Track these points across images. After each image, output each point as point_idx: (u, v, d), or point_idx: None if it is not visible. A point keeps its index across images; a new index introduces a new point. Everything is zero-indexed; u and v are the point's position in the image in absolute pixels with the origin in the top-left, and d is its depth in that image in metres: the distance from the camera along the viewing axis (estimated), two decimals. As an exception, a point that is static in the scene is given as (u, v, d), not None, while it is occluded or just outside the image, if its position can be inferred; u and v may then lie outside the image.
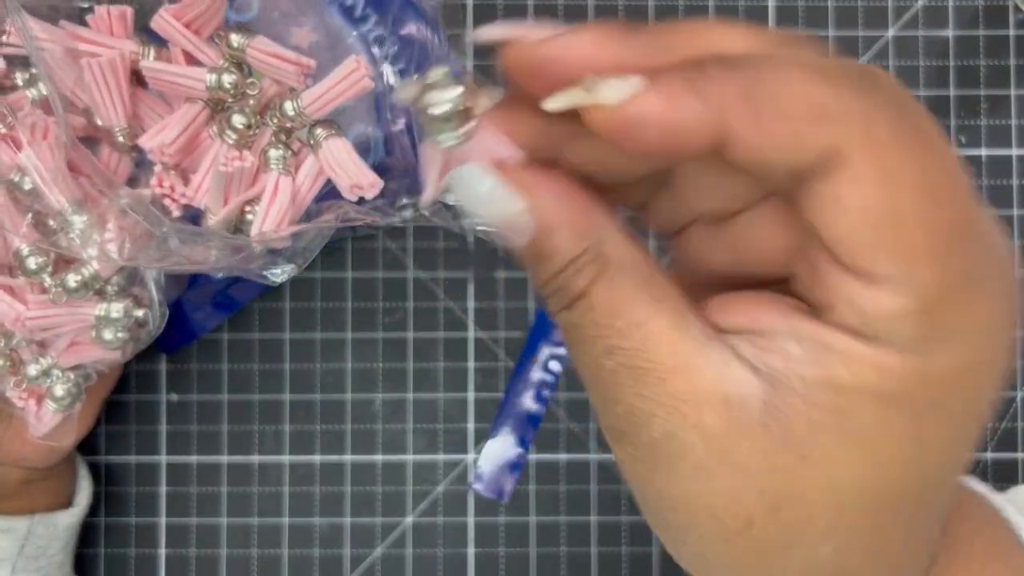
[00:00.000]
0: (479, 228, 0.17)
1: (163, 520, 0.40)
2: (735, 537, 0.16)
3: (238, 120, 0.30)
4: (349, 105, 0.36)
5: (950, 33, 0.41)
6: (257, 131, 0.31)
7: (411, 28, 0.39)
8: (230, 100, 0.30)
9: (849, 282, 0.15)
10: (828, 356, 0.15)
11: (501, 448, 0.40)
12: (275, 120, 0.31)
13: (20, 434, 0.32)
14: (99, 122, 0.30)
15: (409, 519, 0.40)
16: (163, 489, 0.40)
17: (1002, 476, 0.40)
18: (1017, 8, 0.42)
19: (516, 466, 0.40)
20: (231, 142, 0.30)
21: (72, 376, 0.31)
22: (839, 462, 0.15)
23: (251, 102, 0.31)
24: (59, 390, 0.31)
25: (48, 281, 0.30)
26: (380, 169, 0.33)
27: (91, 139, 0.31)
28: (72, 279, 0.30)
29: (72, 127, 0.29)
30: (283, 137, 0.31)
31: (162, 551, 0.39)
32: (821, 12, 0.41)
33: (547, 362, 0.40)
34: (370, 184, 0.30)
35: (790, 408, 0.15)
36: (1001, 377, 0.16)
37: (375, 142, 0.38)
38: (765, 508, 0.16)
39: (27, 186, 0.29)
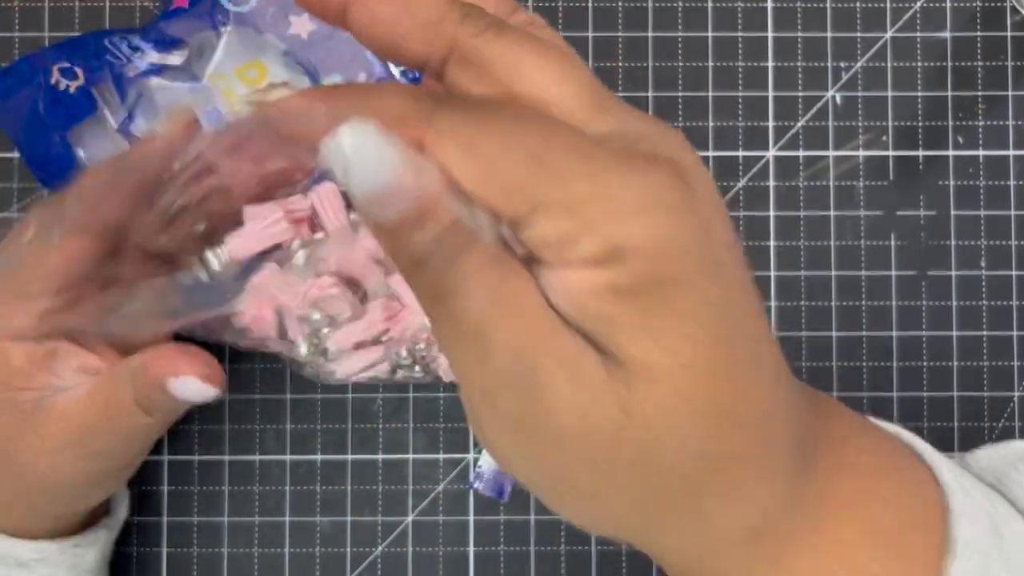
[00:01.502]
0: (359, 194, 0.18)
1: (164, 519, 0.40)
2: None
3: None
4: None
5: (948, 34, 0.42)
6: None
7: None
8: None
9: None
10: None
11: None
12: None
13: None
14: None
15: (410, 518, 0.40)
16: (164, 488, 0.40)
17: (1000, 475, 0.41)
18: (1015, 9, 0.42)
19: None
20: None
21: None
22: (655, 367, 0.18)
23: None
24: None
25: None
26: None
27: None
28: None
29: None
30: None
31: (163, 550, 0.40)
32: (819, 13, 0.42)
33: None
34: None
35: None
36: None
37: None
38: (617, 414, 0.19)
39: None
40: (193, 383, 0.28)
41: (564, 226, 0.18)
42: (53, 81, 0.37)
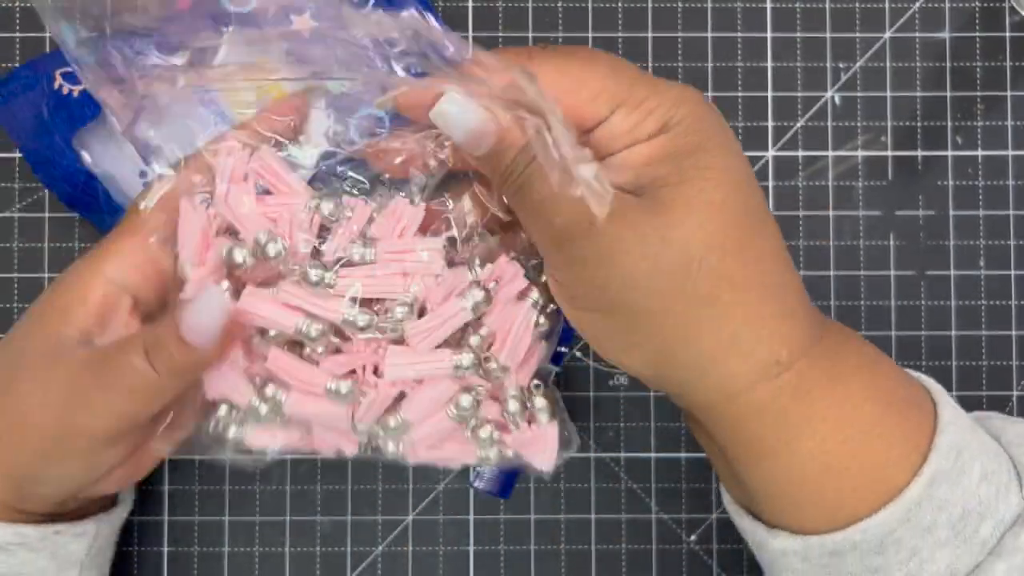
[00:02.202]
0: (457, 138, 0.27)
1: (165, 518, 0.40)
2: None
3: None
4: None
5: (947, 35, 0.42)
6: None
7: (410, 11, 0.39)
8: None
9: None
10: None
11: None
12: None
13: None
14: None
15: (410, 517, 0.40)
16: (165, 487, 0.40)
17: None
18: (1013, 10, 0.42)
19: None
20: None
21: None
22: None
23: None
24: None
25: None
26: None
27: None
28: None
29: None
30: None
31: (164, 548, 0.40)
32: (819, 14, 0.42)
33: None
34: None
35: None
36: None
37: (385, 123, 0.38)
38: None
39: None
40: (195, 314, 0.28)
41: (635, 116, 0.27)
42: (56, 86, 0.37)
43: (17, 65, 0.40)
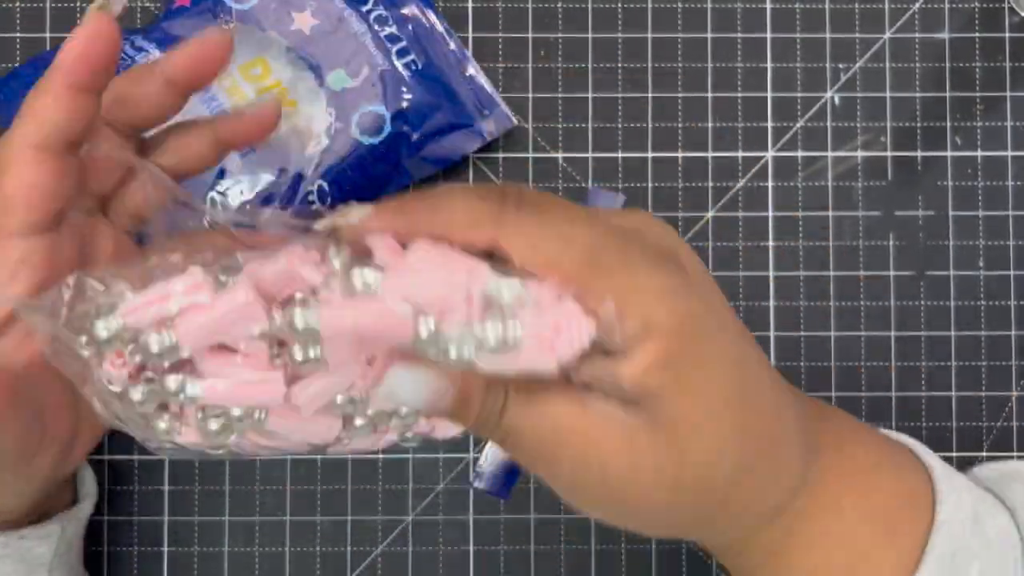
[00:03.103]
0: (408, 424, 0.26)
1: (165, 518, 0.40)
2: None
3: None
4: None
5: (946, 35, 0.42)
6: None
7: (411, 8, 0.39)
8: None
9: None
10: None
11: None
12: None
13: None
14: None
15: (410, 517, 0.40)
16: (165, 487, 0.40)
17: (998, 474, 0.41)
18: (1013, 11, 0.42)
19: (516, 464, 0.40)
20: None
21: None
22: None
23: None
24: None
25: None
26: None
27: None
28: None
29: None
30: None
31: (165, 549, 0.40)
32: (818, 14, 0.42)
33: None
34: None
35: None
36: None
37: (385, 120, 0.38)
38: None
39: None
40: None
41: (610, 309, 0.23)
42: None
43: (17, 65, 0.40)
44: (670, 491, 0.24)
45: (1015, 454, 0.41)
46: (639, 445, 0.23)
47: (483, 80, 0.40)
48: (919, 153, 0.42)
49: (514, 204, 0.23)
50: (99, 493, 0.38)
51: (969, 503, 0.28)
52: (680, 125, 0.41)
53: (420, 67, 0.39)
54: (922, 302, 0.41)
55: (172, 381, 0.23)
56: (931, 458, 0.29)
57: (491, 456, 0.40)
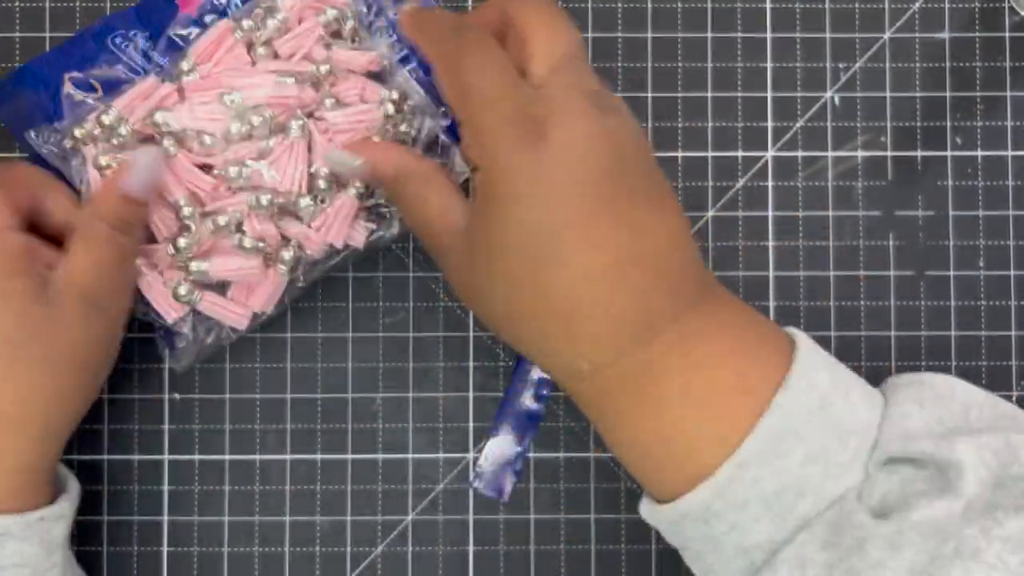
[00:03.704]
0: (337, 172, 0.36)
1: (165, 518, 0.40)
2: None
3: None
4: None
5: (946, 35, 0.42)
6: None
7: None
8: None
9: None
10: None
11: (501, 447, 0.40)
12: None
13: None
14: None
15: (409, 517, 0.40)
16: (165, 488, 0.40)
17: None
18: (1013, 10, 0.42)
19: (516, 464, 0.40)
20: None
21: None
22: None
23: None
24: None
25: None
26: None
27: None
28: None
29: None
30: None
31: (164, 549, 0.40)
32: (818, 14, 0.42)
33: None
34: None
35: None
36: None
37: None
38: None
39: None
40: (133, 172, 0.34)
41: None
42: (65, 92, 0.37)
43: (18, 64, 0.40)
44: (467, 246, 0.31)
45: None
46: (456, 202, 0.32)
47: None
48: (919, 153, 0.42)
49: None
50: (97, 494, 0.38)
51: (821, 393, 0.29)
52: (680, 125, 0.41)
53: (422, 73, 0.39)
54: (922, 302, 0.41)
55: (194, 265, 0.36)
56: (804, 343, 0.31)
57: (491, 456, 0.40)
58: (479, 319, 0.32)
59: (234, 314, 0.37)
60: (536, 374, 0.40)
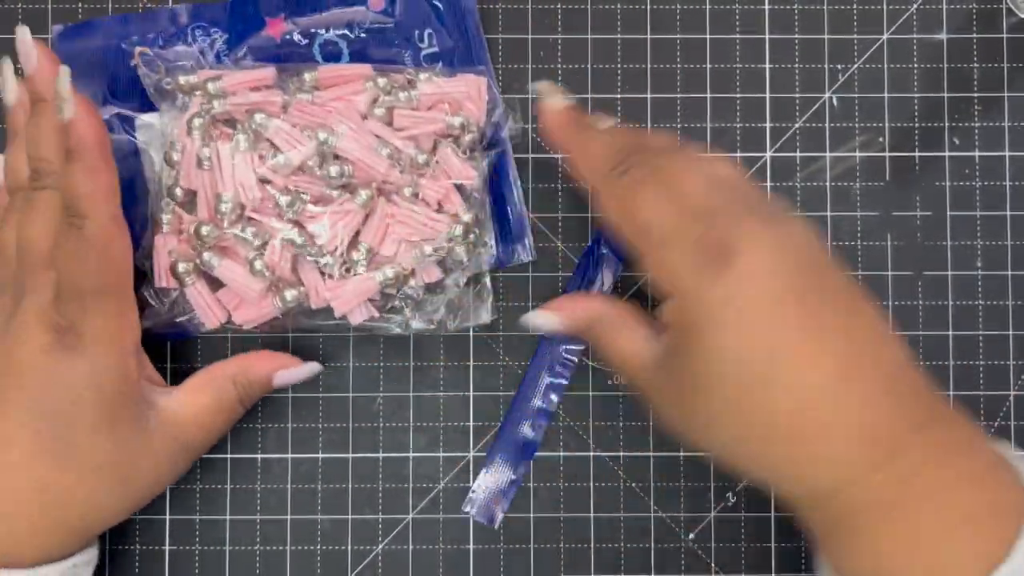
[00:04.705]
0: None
1: (167, 516, 0.40)
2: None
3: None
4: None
5: (944, 36, 0.42)
6: None
7: None
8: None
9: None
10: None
11: (495, 476, 0.40)
12: None
13: None
14: None
15: (410, 515, 0.40)
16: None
17: (995, 473, 0.41)
18: (1011, 11, 0.42)
19: (509, 493, 0.40)
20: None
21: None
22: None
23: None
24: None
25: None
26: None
27: None
28: None
29: None
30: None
31: (166, 547, 0.40)
32: (816, 15, 0.42)
33: (546, 393, 0.40)
34: None
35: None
36: None
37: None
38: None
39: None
40: (292, 372, 0.37)
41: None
42: (133, 63, 0.38)
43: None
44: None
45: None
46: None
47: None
48: (917, 153, 0.42)
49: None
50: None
51: None
52: (679, 126, 0.41)
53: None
54: (920, 302, 0.41)
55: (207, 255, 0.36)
56: None
57: (484, 484, 0.40)
58: (697, 446, 0.32)
59: (211, 312, 0.37)
60: (536, 404, 0.40)
